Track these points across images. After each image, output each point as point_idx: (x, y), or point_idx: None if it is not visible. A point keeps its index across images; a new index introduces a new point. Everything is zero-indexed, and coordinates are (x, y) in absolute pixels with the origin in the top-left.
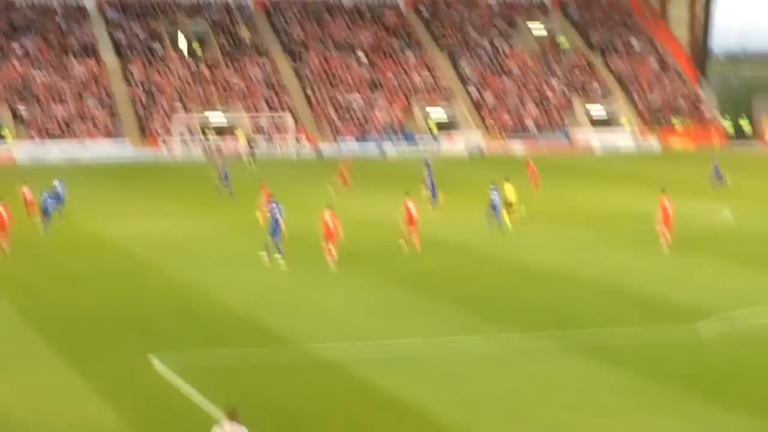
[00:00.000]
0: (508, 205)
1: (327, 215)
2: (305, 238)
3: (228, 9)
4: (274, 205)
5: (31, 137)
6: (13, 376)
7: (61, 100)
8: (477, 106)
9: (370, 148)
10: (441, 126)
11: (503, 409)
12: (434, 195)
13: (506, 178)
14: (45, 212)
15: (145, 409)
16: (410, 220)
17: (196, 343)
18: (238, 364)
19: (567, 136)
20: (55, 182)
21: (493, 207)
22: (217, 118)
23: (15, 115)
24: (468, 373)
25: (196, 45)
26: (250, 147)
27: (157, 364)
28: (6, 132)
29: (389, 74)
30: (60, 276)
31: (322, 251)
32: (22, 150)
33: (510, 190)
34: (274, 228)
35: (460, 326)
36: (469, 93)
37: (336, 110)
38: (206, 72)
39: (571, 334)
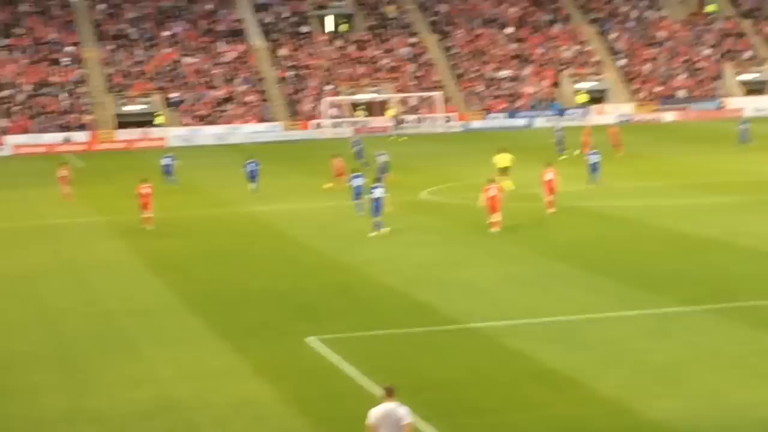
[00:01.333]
0: (502, 171)
1: (490, 189)
2: (452, 210)
3: None
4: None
5: (183, 122)
6: (174, 357)
7: (212, 85)
8: (627, 77)
9: (520, 122)
10: (591, 98)
11: (662, 379)
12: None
13: (502, 149)
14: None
15: (304, 388)
16: (550, 190)
17: (353, 322)
18: (396, 342)
19: (718, 104)
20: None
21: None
22: (366, 97)
23: (167, 101)
24: (626, 345)
25: (343, 25)
26: (398, 123)
27: (315, 343)
28: (159, 118)
29: (537, 48)
30: (215, 255)
31: (473, 225)
32: (175, 134)
33: (504, 159)
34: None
35: (615, 299)
36: (618, 64)
37: (485, 85)
38: (354, 51)
39: (730, 304)
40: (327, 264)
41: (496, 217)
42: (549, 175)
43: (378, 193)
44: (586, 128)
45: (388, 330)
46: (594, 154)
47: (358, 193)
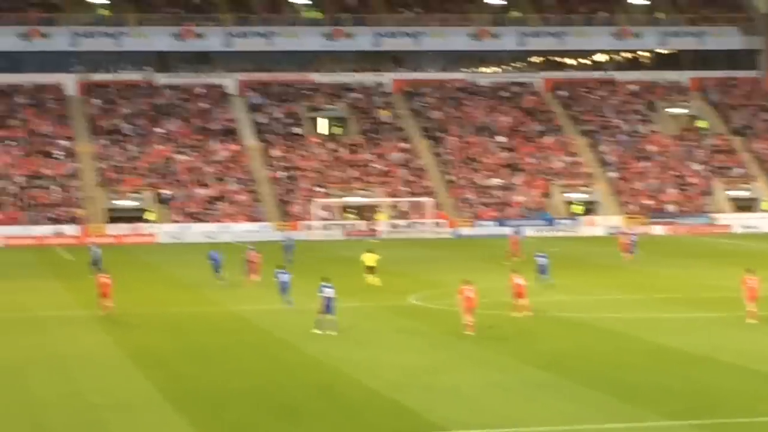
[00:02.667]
0: (369, 269)
1: (466, 289)
2: (440, 316)
3: (368, 91)
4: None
5: (174, 219)
6: None
7: (203, 183)
8: (617, 189)
9: (508, 231)
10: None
11: None
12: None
13: (368, 249)
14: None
15: None
16: (518, 293)
17: (335, 425)
18: None
19: (707, 219)
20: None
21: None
22: (356, 200)
23: (158, 197)
24: None
25: (336, 127)
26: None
27: None
28: (150, 214)
29: (528, 158)
30: (199, 352)
31: (458, 329)
32: (165, 230)
33: (371, 258)
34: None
35: (598, 410)
36: (608, 176)
37: (475, 193)
38: (346, 154)
39: (713, 420)
40: (311, 364)
41: (470, 319)
42: (517, 279)
43: (328, 292)
44: (514, 237)
45: None
46: (541, 256)
47: (284, 288)
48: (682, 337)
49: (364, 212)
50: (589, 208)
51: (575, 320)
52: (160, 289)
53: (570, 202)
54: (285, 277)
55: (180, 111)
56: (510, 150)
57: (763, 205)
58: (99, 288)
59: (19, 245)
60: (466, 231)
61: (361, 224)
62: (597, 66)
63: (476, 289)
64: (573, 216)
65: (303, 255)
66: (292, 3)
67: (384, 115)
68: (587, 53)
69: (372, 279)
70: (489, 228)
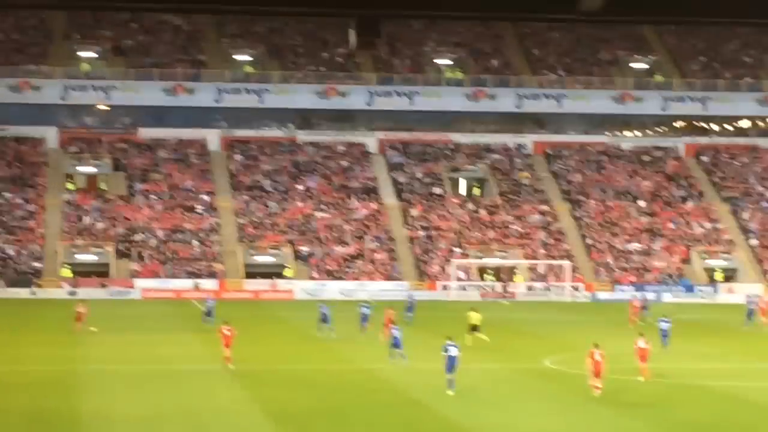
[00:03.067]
0: (473, 328)
1: (594, 352)
2: (575, 380)
3: (508, 152)
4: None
5: (312, 276)
6: None
7: (342, 241)
8: (758, 257)
9: (648, 296)
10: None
11: None
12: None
13: (472, 308)
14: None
15: None
16: (642, 357)
17: None
18: None
19: None
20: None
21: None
22: (494, 261)
23: (297, 254)
24: None
25: (475, 188)
26: (504, 289)
27: None
28: (288, 270)
29: (669, 223)
30: (335, 412)
31: (594, 396)
32: (302, 287)
33: (475, 317)
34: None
35: None
36: (750, 244)
37: (614, 257)
38: (485, 215)
39: None
40: (445, 427)
41: (598, 382)
42: (641, 343)
43: (453, 351)
44: (635, 301)
45: None
46: (665, 321)
47: (396, 344)
48: None
49: (501, 274)
50: (729, 275)
51: (713, 389)
52: (296, 345)
53: (712, 269)
54: (397, 333)
55: (321, 168)
56: (650, 215)
57: None
58: (222, 339)
59: (157, 298)
60: (604, 295)
61: (498, 286)
62: (741, 132)
63: (605, 353)
64: (713, 282)
65: (437, 314)
66: (435, 63)
67: (524, 177)
68: (731, 119)
69: (475, 337)
70: (627, 293)
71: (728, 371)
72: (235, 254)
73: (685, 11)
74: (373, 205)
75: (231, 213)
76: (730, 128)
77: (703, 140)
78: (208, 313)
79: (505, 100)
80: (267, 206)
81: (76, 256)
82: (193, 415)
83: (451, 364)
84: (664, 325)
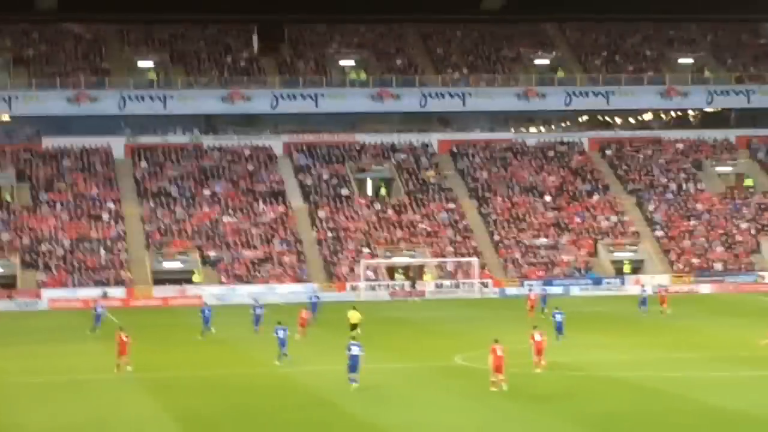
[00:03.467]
0: (353, 327)
1: (497, 349)
2: (485, 376)
3: (414, 152)
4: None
5: (220, 280)
6: None
7: (249, 244)
8: (663, 248)
9: (556, 290)
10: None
11: None
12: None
13: (353, 307)
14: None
15: None
16: (538, 350)
17: None
18: None
19: (755, 277)
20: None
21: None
22: (403, 260)
23: (204, 259)
24: None
25: (382, 188)
26: (411, 285)
27: None
28: (196, 276)
29: (575, 217)
30: (246, 416)
31: (506, 392)
32: (210, 292)
33: (354, 316)
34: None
35: None
36: (655, 235)
37: (522, 253)
38: (392, 215)
39: None
40: (357, 427)
41: (501, 377)
42: (537, 336)
43: (355, 350)
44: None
45: None
46: (558, 313)
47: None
48: (734, 396)
49: (410, 272)
50: (636, 266)
51: (621, 380)
52: (207, 351)
53: (620, 262)
54: (282, 334)
55: (227, 173)
56: (557, 209)
57: None
58: (117, 346)
59: (65, 308)
60: (512, 290)
61: (407, 284)
62: (644, 125)
63: (507, 348)
64: (620, 275)
65: (344, 315)
66: (339, 65)
67: (430, 175)
68: (634, 112)
69: (356, 333)
70: (536, 287)
71: (634, 362)
72: (142, 261)
73: (586, 7)
74: (281, 208)
75: (137, 220)
76: (634, 121)
77: (607, 134)
78: (97, 320)
79: (409, 100)
80: (174, 212)
81: None
82: (104, 425)
83: (354, 363)
84: (558, 318)
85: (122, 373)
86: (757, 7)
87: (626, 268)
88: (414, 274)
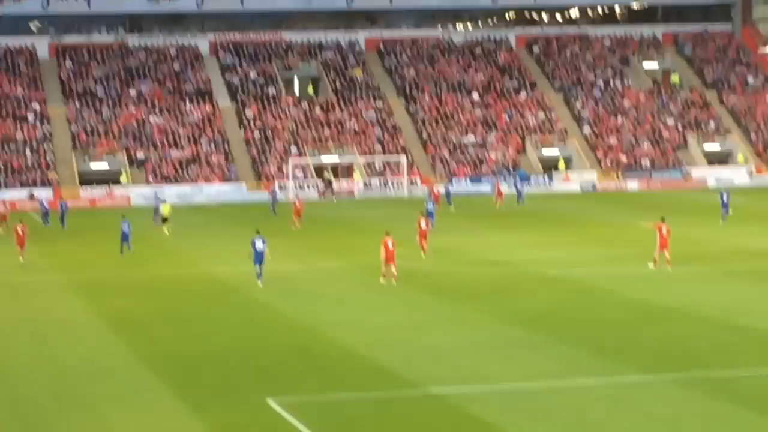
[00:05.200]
0: (163, 219)
1: (388, 241)
2: (415, 275)
3: (340, 50)
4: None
5: (147, 181)
6: (132, 417)
7: (177, 144)
8: (591, 144)
9: (484, 188)
10: (555, 165)
11: None
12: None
13: (162, 201)
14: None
15: None
16: (421, 234)
17: (314, 385)
18: (357, 407)
19: (682, 173)
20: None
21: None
22: (331, 159)
23: (131, 159)
24: (586, 413)
25: (309, 87)
26: (328, 185)
27: (275, 405)
28: (123, 176)
29: (503, 114)
30: (176, 316)
31: (435, 290)
32: (138, 192)
33: (166, 210)
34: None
35: (577, 366)
36: (583, 132)
37: (450, 151)
38: (320, 114)
39: (692, 374)
40: (288, 326)
41: (392, 269)
42: (422, 224)
43: (258, 245)
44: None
45: (349, 393)
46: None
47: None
48: (659, 291)
49: (325, 174)
50: (564, 162)
51: (550, 276)
52: (135, 251)
53: (550, 159)
54: (125, 227)
55: (153, 73)
56: (485, 107)
57: (738, 159)
58: (16, 237)
59: None
60: (441, 189)
61: (320, 185)
62: (571, 21)
63: (394, 240)
64: (548, 172)
65: (279, 215)
66: None
67: (357, 73)
68: (561, 8)
69: (166, 228)
70: (464, 185)
71: (564, 259)
72: (69, 162)
73: None
74: (207, 108)
75: (63, 121)
76: (561, 18)
77: (534, 31)
78: (46, 215)
79: None
80: (100, 113)
81: None
82: (34, 325)
83: (258, 256)
84: (429, 207)
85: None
86: None
87: (560, 165)
88: (330, 175)
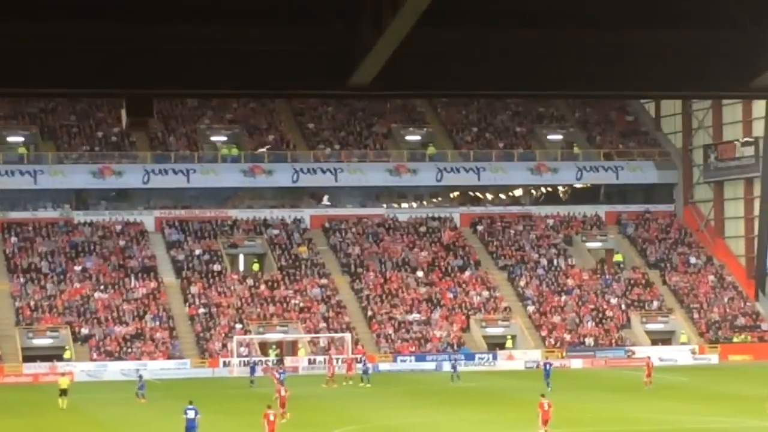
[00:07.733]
0: (62, 392)
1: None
2: None
3: (286, 228)
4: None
5: (92, 357)
6: None
7: (121, 321)
8: (535, 323)
9: (429, 366)
10: (499, 344)
11: None
12: None
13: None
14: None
15: None
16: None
17: None
18: None
19: (625, 352)
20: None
21: None
22: (275, 336)
23: (75, 335)
24: None
25: (254, 263)
26: (278, 363)
27: None
28: (67, 353)
29: (447, 292)
30: None
31: None
32: (82, 369)
33: (64, 382)
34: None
35: None
36: (527, 311)
37: (395, 328)
38: (265, 290)
39: None
40: None
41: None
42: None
43: (190, 414)
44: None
45: None
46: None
47: None
48: None
49: (274, 349)
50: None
51: None
52: (79, 430)
53: (495, 337)
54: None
55: (98, 248)
56: (429, 285)
57: (681, 338)
58: None
59: None
60: (385, 366)
61: (270, 362)
62: (514, 201)
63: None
64: (492, 350)
65: (218, 391)
66: (211, 140)
67: (302, 251)
68: (505, 188)
69: (64, 401)
70: (408, 363)
71: None
72: (12, 338)
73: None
74: (152, 284)
75: (7, 296)
76: (504, 197)
77: (478, 210)
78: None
79: (281, 175)
80: (44, 288)
81: None
82: None
83: (190, 426)
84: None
85: None
86: (624, 84)
87: (508, 344)
88: (280, 351)
